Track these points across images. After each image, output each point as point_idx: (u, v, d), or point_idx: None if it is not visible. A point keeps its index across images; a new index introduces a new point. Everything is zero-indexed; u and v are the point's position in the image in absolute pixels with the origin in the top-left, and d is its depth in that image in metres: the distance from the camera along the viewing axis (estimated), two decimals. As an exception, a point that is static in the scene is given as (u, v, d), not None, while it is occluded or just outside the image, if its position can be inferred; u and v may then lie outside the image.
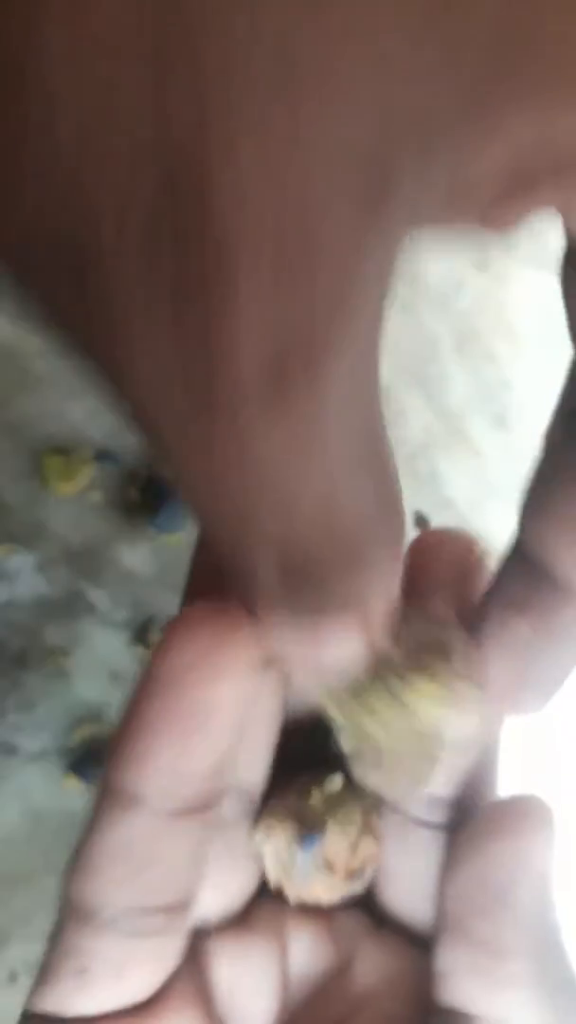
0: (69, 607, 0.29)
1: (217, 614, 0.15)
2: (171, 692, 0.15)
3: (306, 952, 0.18)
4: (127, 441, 0.30)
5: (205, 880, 0.17)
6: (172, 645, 0.15)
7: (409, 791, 0.17)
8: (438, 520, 0.38)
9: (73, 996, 0.16)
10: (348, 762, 0.17)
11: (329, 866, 0.17)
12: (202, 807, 0.15)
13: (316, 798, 0.17)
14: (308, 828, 0.17)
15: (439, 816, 0.18)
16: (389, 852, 0.18)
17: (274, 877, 0.17)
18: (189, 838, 0.16)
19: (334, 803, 0.17)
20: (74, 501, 0.29)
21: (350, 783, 0.17)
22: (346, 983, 0.18)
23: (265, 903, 0.18)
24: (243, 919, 0.18)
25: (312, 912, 0.18)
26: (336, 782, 0.17)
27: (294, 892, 0.17)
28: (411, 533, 0.18)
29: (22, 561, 0.28)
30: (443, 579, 0.17)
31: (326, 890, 0.17)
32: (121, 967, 0.16)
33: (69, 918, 0.16)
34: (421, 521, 0.19)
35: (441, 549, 0.18)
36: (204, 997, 0.17)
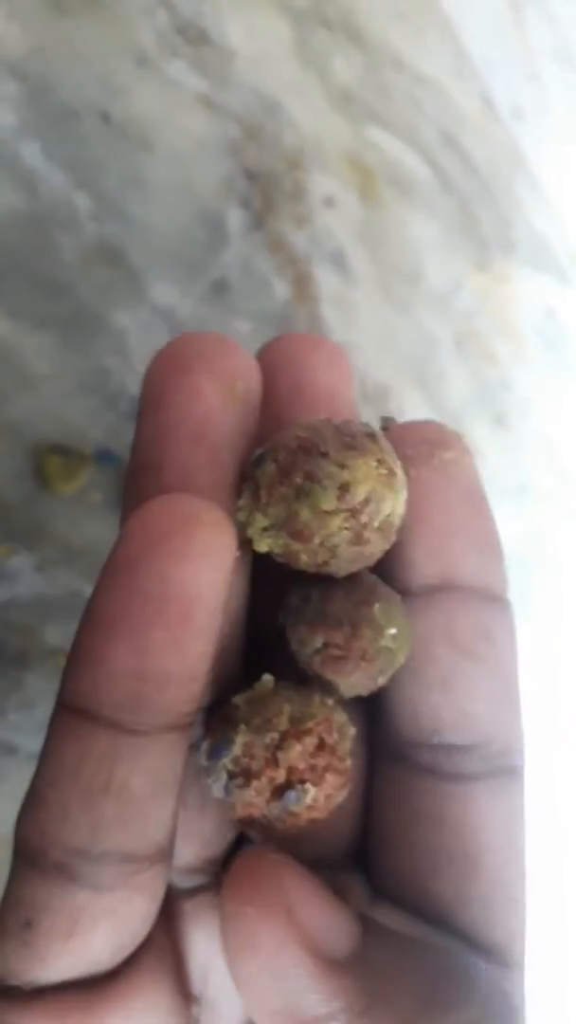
0: (69, 607, 0.29)
1: (183, 498, 0.13)
2: (128, 577, 0.12)
3: None
4: (126, 441, 0.30)
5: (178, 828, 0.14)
6: (131, 530, 0.12)
7: (358, 667, 0.14)
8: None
9: (18, 955, 0.13)
10: (293, 646, 0.15)
11: (246, 776, 0.14)
12: (171, 724, 0.13)
13: (240, 701, 0.15)
14: (218, 737, 0.14)
15: (449, 764, 0.15)
16: (389, 808, 0.15)
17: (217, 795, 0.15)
18: (155, 763, 0.13)
19: (257, 707, 0.14)
20: (73, 501, 0.29)
21: (298, 692, 0.15)
22: None
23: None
24: (221, 878, 0.16)
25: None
26: (265, 683, 0.15)
27: (233, 811, 0.15)
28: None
29: (22, 561, 0.28)
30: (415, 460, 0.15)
31: (255, 808, 0.14)
32: (72, 923, 0.13)
33: (16, 862, 0.13)
34: (389, 421, 0.17)
35: (411, 433, 0.16)
36: (176, 971, 0.15)
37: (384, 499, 0.14)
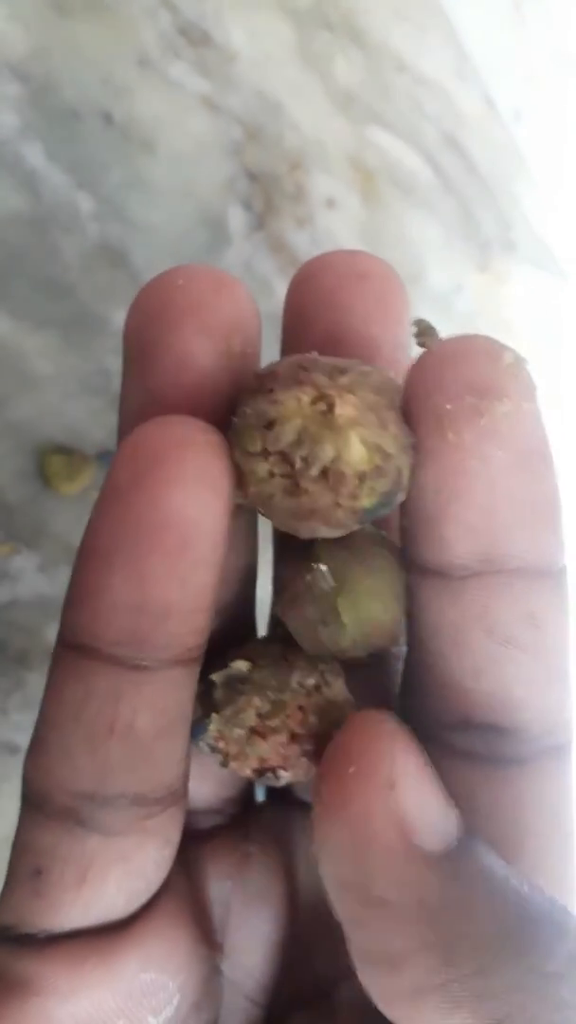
0: (71, 607, 0.29)
1: (175, 420, 0.12)
2: (121, 506, 0.11)
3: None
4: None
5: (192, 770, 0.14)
6: (122, 457, 0.11)
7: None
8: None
9: (30, 904, 0.12)
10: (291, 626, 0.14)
11: (225, 757, 0.14)
12: (175, 658, 0.12)
13: (217, 680, 0.14)
14: (203, 713, 0.14)
15: (484, 747, 0.13)
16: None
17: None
18: (161, 701, 0.12)
19: (230, 693, 0.14)
20: (76, 501, 0.29)
21: (276, 673, 0.14)
22: None
23: (267, 801, 0.16)
24: (241, 820, 0.15)
25: None
26: (239, 667, 0.14)
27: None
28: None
29: (24, 561, 0.28)
30: (463, 394, 0.12)
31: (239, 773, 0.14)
32: (83, 870, 0.12)
33: (24, 807, 0.12)
34: (426, 331, 0.14)
35: (453, 375, 0.13)
36: (197, 917, 0.14)
37: (321, 440, 0.12)
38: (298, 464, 0.12)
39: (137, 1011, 0.13)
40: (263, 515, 0.13)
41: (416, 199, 0.37)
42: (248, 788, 0.16)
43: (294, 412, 0.12)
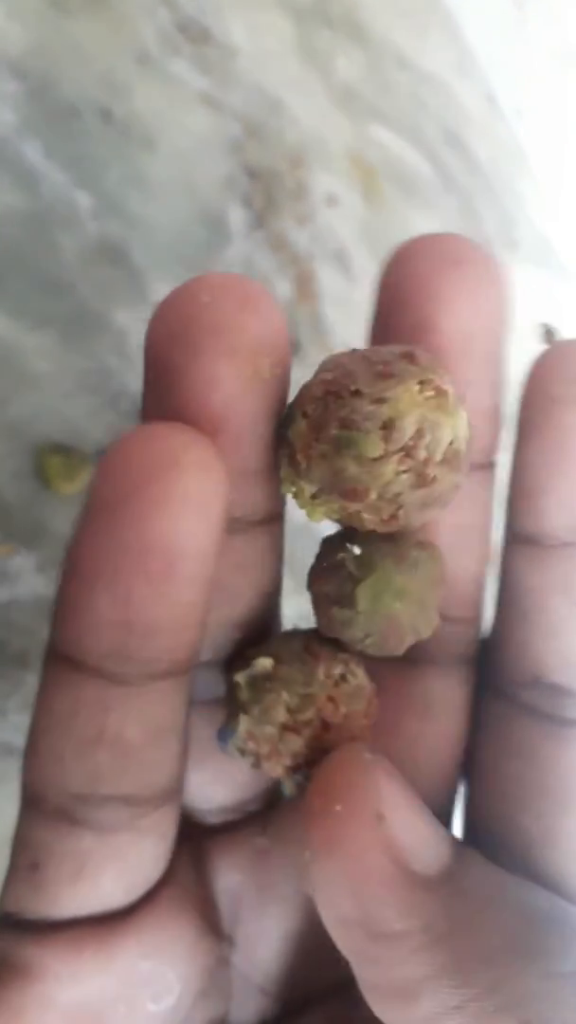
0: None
1: (165, 433, 0.11)
2: (106, 524, 0.11)
3: None
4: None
5: (204, 769, 0.14)
6: (109, 470, 0.11)
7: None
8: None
9: (27, 894, 0.13)
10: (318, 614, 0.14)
11: (256, 758, 0.14)
12: (164, 672, 0.12)
13: (241, 680, 0.14)
14: (228, 718, 0.14)
15: (550, 705, 0.14)
16: (486, 740, 0.15)
17: None
18: (150, 711, 0.12)
19: (256, 692, 0.14)
20: (75, 500, 0.29)
21: (302, 666, 0.14)
22: None
23: (283, 797, 0.16)
24: (258, 815, 0.16)
25: None
26: (263, 665, 0.14)
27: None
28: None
29: (23, 561, 0.28)
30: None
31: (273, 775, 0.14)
32: (78, 866, 0.12)
33: (22, 803, 0.13)
34: (551, 333, 0.15)
35: (565, 364, 0.14)
36: (203, 909, 0.14)
37: (440, 425, 0.12)
38: (423, 454, 0.12)
39: (136, 998, 0.13)
40: (383, 522, 0.13)
41: (417, 196, 0.37)
42: (270, 788, 0.16)
43: (411, 404, 0.12)
